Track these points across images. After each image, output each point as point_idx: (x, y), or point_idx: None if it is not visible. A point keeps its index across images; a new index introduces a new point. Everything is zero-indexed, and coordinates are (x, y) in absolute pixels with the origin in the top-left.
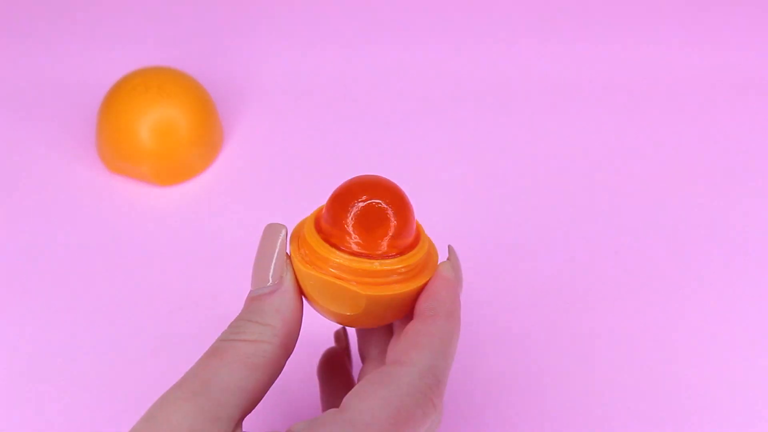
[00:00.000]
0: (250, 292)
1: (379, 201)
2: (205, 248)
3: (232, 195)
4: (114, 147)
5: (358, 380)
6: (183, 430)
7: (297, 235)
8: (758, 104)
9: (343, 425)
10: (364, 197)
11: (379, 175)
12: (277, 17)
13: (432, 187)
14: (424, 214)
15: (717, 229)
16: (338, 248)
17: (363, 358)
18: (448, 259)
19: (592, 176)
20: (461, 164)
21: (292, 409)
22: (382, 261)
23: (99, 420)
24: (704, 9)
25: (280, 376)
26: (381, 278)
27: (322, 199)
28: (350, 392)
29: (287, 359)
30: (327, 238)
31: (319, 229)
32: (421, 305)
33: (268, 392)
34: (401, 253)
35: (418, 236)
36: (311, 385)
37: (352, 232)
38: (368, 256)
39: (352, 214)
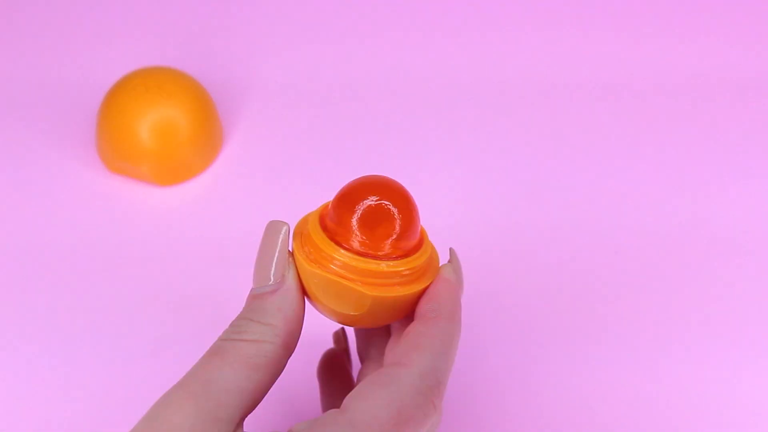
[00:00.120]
0: (251, 291)
1: (387, 202)
2: (205, 248)
3: (232, 195)
4: (114, 147)
5: (358, 381)
6: (184, 431)
7: (300, 232)
8: (758, 104)
9: (343, 426)
10: (372, 197)
11: (385, 175)
12: (277, 17)
13: (432, 187)
14: (424, 214)
15: (717, 229)
16: (343, 247)
17: (362, 359)
18: (449, 261)
19: (592, 176)
20: (461, 164)
21: (293, 409)
22: (388, 262)
23: (99, 420)
24: (704, 9)
25: (281, 376)
26: (386, 279)
27: (322, 198)
28: (351, 393)
29: (289, 358)
30: (332, 237)
31: (324, 228)
32: (423, 307)
33: (270, 392)
34: (406, 255)
35: (422, 239)
36: (312, 386)
37: (358, 232)
38: (374, 257)
39: (359, 213)
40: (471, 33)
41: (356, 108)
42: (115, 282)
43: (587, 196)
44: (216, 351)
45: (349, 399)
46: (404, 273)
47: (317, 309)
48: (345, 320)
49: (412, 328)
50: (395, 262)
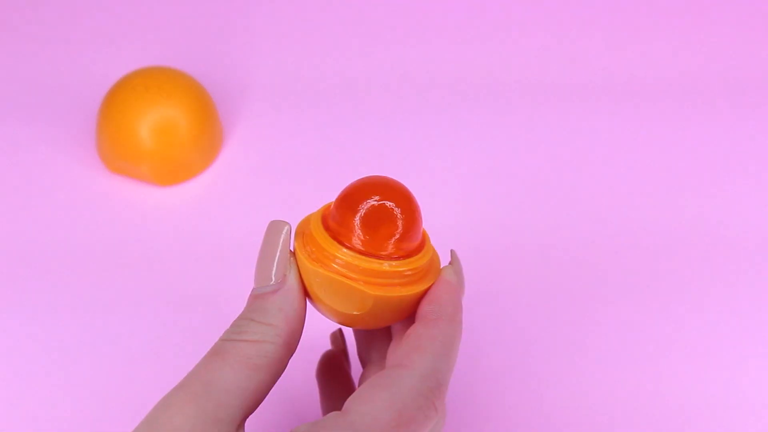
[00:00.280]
0: (252, 290)
1: (390, 202)
2: (205, 248)
3: (232, 195)
4: (114, 147)
5: (359, 385)
6: None
7: (302, 232)
8: (758, 104)
9: (345, 428)
10: (375, 198)
11: (388, 176)
12: (277, 17)
13: (432, 188)
14: (425, 214)
15: (717, 229)
16: (346, 246)
17: (363, 363)
18: (450, 263)
19: (592, 176)
20: (461, 164)
21: (294, 410)
22: (390, 262)
23: (100, 420)
24: (704, 9)
25: (283, 377)
26: (388, 279)
27: (322, 198)
28: (352, 395)
29: (290, 359)
30: (334, 236)
31: (326, 227)
32: (424, 308)
33: (271, 393)
34: (408, 256)
35: (424, 241)
36: (313, 387)
37: (360, 232)
38: (376, 257)
39: (362, 213)
40: (471, 33)
41: (356, 108)
42: (115, 282)
43: (587, 196)
44: (217, 351)
45: (350, 401)
46: (406, 273)
47: (318, 310)
48: (346, 320)
49: (413, 329)
50: (397, 262)
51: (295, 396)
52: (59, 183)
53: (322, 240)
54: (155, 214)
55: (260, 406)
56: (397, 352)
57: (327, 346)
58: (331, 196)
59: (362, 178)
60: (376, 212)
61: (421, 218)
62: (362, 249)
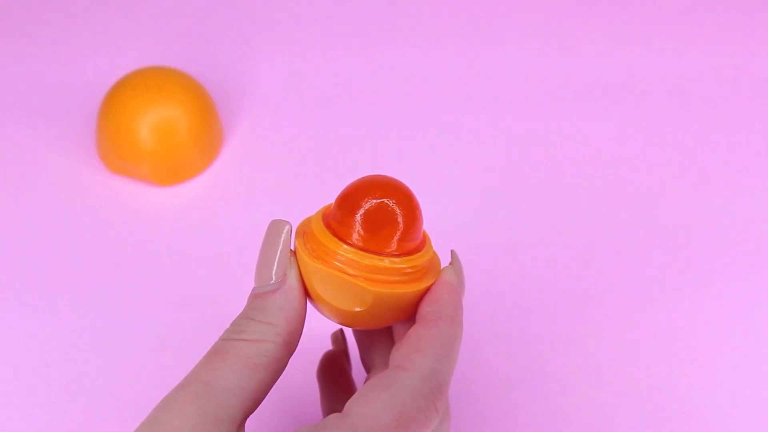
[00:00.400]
0: (253, 289)
1: (391, 201)
2: (205, 248)
3: (232, 195)
4: (114, 147)
5: None
6: None
7: (303, 231)
8: (758, 104)
9: (345, 430)
10: (375, 196)
11: (388, 175)
12: (277, 17)
13: (432, 187)
14: (425, 214)
15: (717, 229)
16: (347, 243)
17: (367, 369)
18: (450, 263)
19: (592, 177)
20: (461, 164)
21: (294, 411)
22: (391, 258)
23: (100, 421)
24: (704, 9)
25: (283, 377)
26: (388, 276)
27: (322, 197)
28: (353, 397)
29: (290, 358)
30: (335, 234)
31: (327, 225)
32: (424, 309)
33: (271, 394)
34: (408, 254)
35: (424, 241)
36: (313, 387)
37: (361, 230)
38: (377, 253)
39: (362, 212)
40: (471, 33)
41: (356, 108)
42: (115, 282)
43: (588, 195)
44: (217, 351)
45: (351, 403)
46: (406, 271)
47: (319, 310)
48: (346, 319)
49: (414, 330)
50: (398, 259)
51: (295, 396)
52: (59, 183)
53: (323, 237)
54: (155, 214)
55: (260, 406)
56: (397, 353)
57: (327, 346)
58: (331, 195)
59: (363, 177)
60: (376, 210)
61: (421, 217)
62: (363, 246)
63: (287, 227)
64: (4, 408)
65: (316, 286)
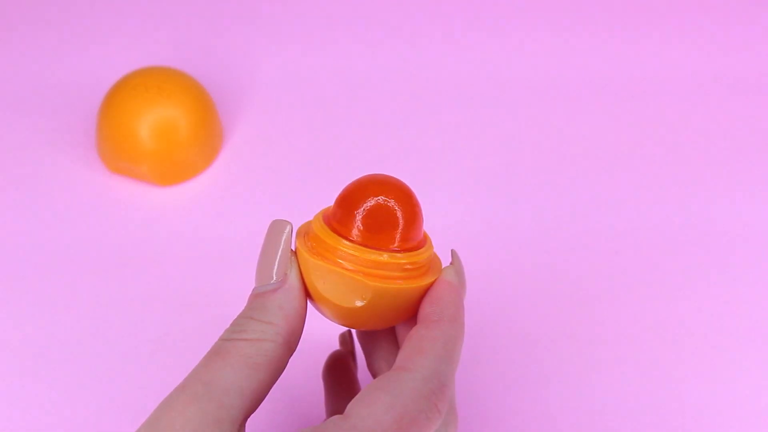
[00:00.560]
0: (253, 289)
1: (391, 199)
2: (205, 248)
3: (232, 195)
4: (114, 147)
5: None
6: None
7: (304, 231)
8: (758, 104)
9: (346, 431)
10: (376, 195)
11: (388, 174)
12: (277, 17)
13: (432, 187)
14: (425, 214)
15: (718, 229)
16: (347, 239)
17: (374, 375)
18: (451, 263)
19: (594, 176)
20: (461, 164)
21: (295, 410)
22: (391, 254)
23: (100, 421)
24: (704, 9)
25: (284, 377)
26: (388, 271)
27: (323, 198)
28: (354, 398)
29: (290, 357)
30: (336, 231)
31: (328, 224)
32: (425, 310)
33: (272, 394)
34: (408, 251)
35: (425, 240)
36: (315, 388)
37: (362, 227)
38: (377, 249)
39: (363, 210)
40: (472, 33)
41: (356, 108)
42: (115, 282)
43: (589, 195)
44: (217, 351)
45: (352, 405)
46: (406, 267)
47: (319, 310)
48: (347, 318)
49: (415, 331)
50: (398, 254)
51: (296, 396)
52: (59, 183)
53: (323, 233)
54: (155, 214)
55: (261, 406)
56: (399, 354)
57: (330, 347)
58: (332, 194)
59: (363, 176)
60: (377, 209)
61: (421, 216)
62: (363, 242)
63: (288, 227)
64: (4, 408)
65: (316, 283)
